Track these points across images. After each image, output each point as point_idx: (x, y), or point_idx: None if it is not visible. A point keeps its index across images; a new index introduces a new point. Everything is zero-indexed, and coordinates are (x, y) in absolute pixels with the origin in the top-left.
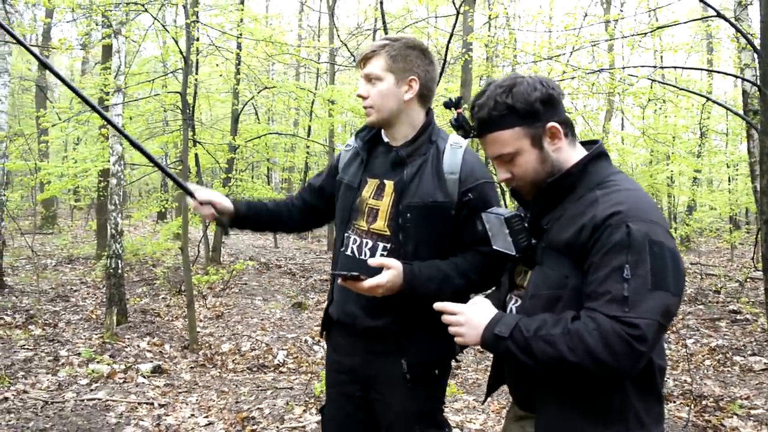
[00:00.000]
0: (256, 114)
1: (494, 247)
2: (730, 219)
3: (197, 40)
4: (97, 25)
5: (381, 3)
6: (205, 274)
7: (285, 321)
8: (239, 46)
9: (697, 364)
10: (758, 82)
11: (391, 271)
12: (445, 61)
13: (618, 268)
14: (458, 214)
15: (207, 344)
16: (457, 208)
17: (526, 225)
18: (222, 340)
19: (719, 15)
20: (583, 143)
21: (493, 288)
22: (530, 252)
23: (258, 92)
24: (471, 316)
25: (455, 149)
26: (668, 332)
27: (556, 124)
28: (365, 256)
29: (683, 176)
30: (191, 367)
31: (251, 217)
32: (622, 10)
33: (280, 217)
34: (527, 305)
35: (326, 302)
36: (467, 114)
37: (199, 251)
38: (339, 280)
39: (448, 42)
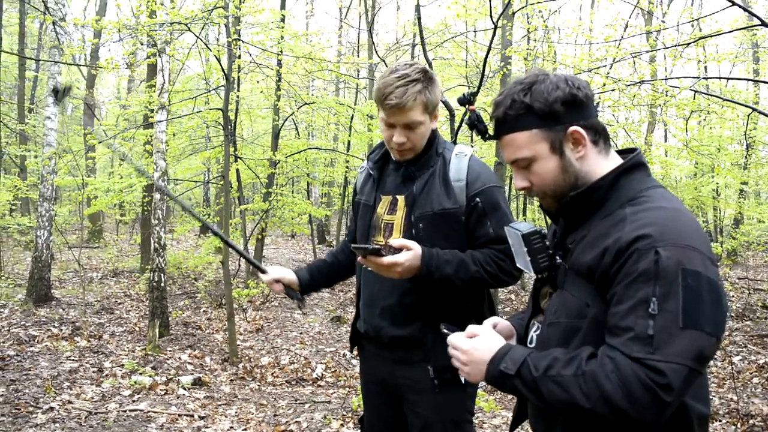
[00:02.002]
0: (297, 129)
1: (517, 266)
2: None
3: (239, 57)
4: (142, 44)
5: (419, 18)
6: (246, 288)
7: (324, 335)
8: (279, 63)
9: (744, 381)
10: None
11: (410, 252)
12: (483, 74)
13: (643, 302)
14: (468, 220)
15: (247, 357)
16: (467, 214)
17: (546, 243)
18: (261, 354)
19: (764, 24)
20: (621, 152)
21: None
22: (553, 273)
23: (298, 108)
24: (473, 353)
25: (460, 158)
26: None
27: (580, 129)
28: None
29: (729, 189)
30: (231, 380)
31: (316, 279)
32: (663, 21)
33: (340, 266)
34: (544, 334)
35: (353, 317)
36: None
37: (239, 265)
38: (359, 258)
39: (486, 56)
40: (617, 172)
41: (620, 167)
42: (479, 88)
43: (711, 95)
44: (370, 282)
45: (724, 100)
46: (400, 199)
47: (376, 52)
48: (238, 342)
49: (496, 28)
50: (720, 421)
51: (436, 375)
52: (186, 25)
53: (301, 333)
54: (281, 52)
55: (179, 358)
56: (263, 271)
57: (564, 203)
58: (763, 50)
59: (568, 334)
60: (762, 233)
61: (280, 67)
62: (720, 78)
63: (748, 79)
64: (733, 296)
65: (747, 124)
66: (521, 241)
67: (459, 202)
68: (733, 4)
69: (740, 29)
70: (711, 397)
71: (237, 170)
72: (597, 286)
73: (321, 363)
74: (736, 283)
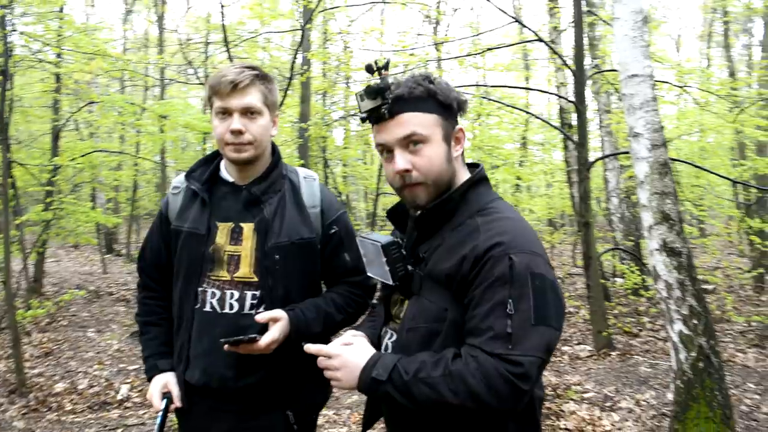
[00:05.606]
0: (77, 129)
1: (369, 274)
2: (549, 222)
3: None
4: None
5: (223, 18)
6: (28, 309)
7: (124, 352)
8: (59, 56)
9: None
10: (574, 100)
11: (280, 323)
12: (291, 77)
13: (501, 303)
14: (324, 249)
15: (37, 386)
16: (322, 243)
17: (403, 252)
18: (54, 380)
19: (540, 39)
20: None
21: (362, 318)
22: (407, 281)
23: (86, 104)
24: (347, 358)
25: (310, 182)
26: None
27: (463, 130)
28: (231, 309)
29: (507, 183)
30: (23, 413)
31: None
32: (447, 32)
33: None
34: (403, 339)
35: (181, 368)
36: (367, 100)
37: (18, 284)
38: (226, 347)
39: (293, 59)
40: (467, 185)
41: (470, 181)
42: (287, 89)
43: (496, 101)
44: (208, 327)
45: (506, 105)
46: (247, 227)
47: (162, 53)
48: (26, 370)
49: (304, 30)
50: None
51: (297, 419)
52: None
53: (98, 353)
54: (59, 42)
55: None
56: (172, 402)
57: (419, 216)
58: (533, 60)
59: (429, 338)
60: (534, 224)
61: (59, 58)
62: (507, 87)
63: (530, 89)
64: None
65: (525, 127)
66: (380, 251)
67: (315, 231)
68: (516, 21)
69: (522, 42)
70: None
71: (12, 176)
72: (455, 291)
73: (125, 383)
74: None
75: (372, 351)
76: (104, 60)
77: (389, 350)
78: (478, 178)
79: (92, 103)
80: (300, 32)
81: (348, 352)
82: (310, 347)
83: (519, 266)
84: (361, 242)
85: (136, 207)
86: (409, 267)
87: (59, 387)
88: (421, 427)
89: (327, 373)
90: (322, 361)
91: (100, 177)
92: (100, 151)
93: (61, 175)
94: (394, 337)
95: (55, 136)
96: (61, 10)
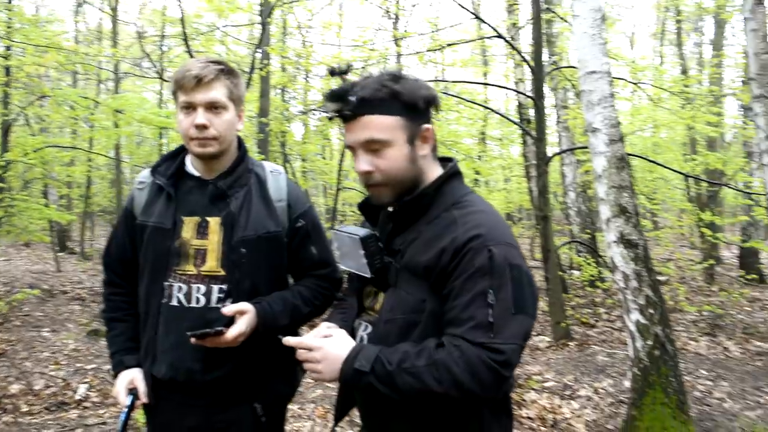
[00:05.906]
0: (27, 124)
1: (343, 267)
2: (507, 216)
3: None
4: None
5: (182, 12)
6: None
7: (81, 351)
8: (9, 48)
9: None
10: (533, 95)
11: (246, 316)
12: (252, 70)
13: (482, 294)
14: (291, 242)
15: None
16: (289, 236)
17: (380, 245)
18: (9, 381)
19: (500, 36)
20: (439, 159)
21: (330, 310)
22: (383, 273)
23: (33, 101)
24: (328, 350)
25: (277, 176)
26: None
27: (431, 128)
28: (198, 303)
29: (466, 178)
30: None
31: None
32: (407, 28)
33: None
34: (381, 330)
35: (147, 363)
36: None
37: None
38: (193, 340)
39: (254, 53)
40: (441, 180)
41: (444, 176)
42: (248, 83)
43: (457, 97)
44: (175, 321)
45: (467, 101)
46: (213, 221)
47: (115, 39)
48: None
49: (264, 25)
50: None
51: (265, 412)
52: None
53: (54, 353)
54: (8, 35)
55: None
56: (138, 398)
57: (395, 210)
58: (492, 56)
59: (407, 329)
60: None
61: (9, 50)
62: (469, 83)
63: (490, 84)
64: None
65: (484, 122)
66: (359, 244)
67: (282, 224)
68: (476, 17)
69: (482, 38)
70: None
71: None
72: (432, 283)
73: (83, 383)
74: None
75: (353, 342)
76: (58, 53)
77: (365, 342)
78: (451, 173)
79: (44, 96)
80: (260, 26)
81: (329, 344)
82: (290, 340)
83: (498, 258)
84: (336, 235)
85: (89, 203)
86: (386, 259)
87: (14, 388)
88: (397, 417)
89: (307, 366)
90: (302, 354)
91: (52, 173)
92: (53, 146)
93: (11, 171)
94: (370, 329)
95: (5, 130)
96: (9, 2)
